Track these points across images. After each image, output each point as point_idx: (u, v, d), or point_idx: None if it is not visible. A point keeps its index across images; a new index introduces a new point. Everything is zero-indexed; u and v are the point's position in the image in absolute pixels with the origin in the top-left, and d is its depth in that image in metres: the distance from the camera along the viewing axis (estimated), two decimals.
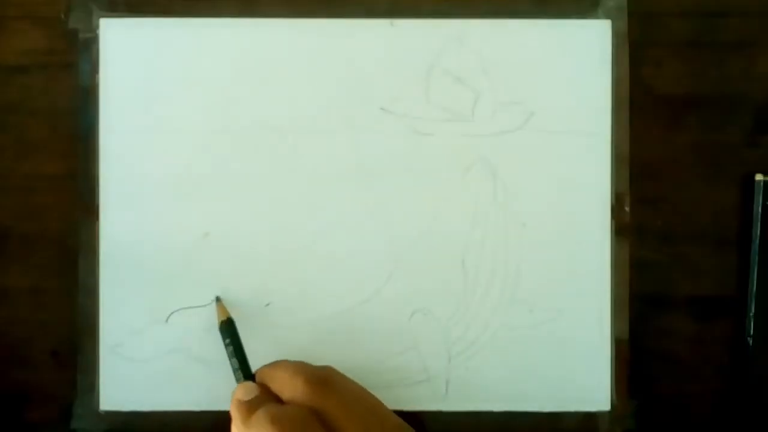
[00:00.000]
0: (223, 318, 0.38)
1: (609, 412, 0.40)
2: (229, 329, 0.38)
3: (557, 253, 0.40)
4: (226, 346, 0.38)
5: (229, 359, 0.37)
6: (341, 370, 0.39)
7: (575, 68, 0.40)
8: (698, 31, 0.41)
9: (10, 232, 0.41)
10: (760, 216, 0.40)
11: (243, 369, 0.37)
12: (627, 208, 0.40)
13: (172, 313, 0.40)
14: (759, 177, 0.40)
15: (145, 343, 0.40)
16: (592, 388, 0.40)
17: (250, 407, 0.33)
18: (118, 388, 0.40)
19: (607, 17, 0.40)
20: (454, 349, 0.40)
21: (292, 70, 0.40)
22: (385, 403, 0.39)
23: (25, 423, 0.41)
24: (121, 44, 0.40)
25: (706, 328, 0.41)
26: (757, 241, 0.40)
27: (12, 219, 0.41)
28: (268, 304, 0.40)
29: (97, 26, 0.40)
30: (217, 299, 0.39)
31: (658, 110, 0.41)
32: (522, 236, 0.40)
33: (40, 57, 0.41)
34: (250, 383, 0.35)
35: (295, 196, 0.40)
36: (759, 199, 0.40)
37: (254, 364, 0.40)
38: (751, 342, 0.40)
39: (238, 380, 0.36)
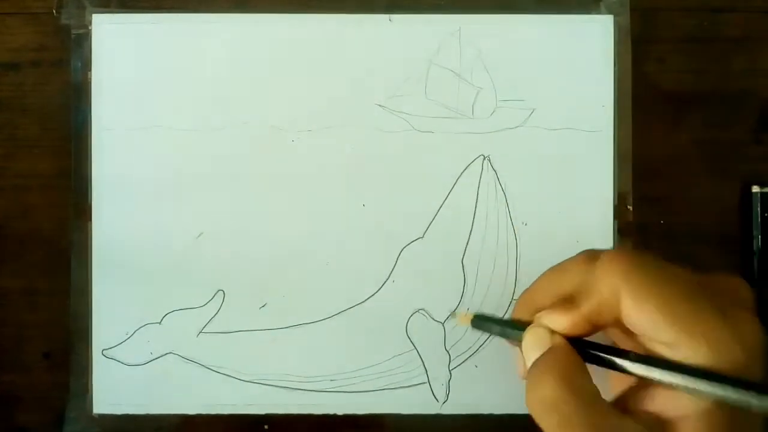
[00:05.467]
0: (471, 319, 0.34)
1: None
2: (483, 319, 0.33)
3: (559, 253, 0.39)
4: (493, 330, 0.32)
5: (504, 337, 0.32)
6: (339, 373, 0.39)
7: (577, 64, 0.40)
8: (702, 27, 0.41)
9: (1, 232, 0.40)
10: (759, 226, 0.39)
11: (518, 326, 0.31)
12: (630, 207, 0.40)
13: (167, 314, 0.39)
14: (756, 189, 0.40)
15: (138, 345, 0.39)
16: None
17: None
18: (112, 390, 0.39)
19: (609, 13, 0.40)
20: (454, 351, 0.39)
21: (288, 66, 0.40)
22: (383, 407, 0.39)
23: (17, 426, 0.40)
24: (114, 40, 0.39)
25: None
26: (757, 255, 0.40)
27: (3, 218, 0.40)
28: (264, 306, 0.39)
29: (90, 22, 0.39)
30: (453, 315, 0.38)
31: (662, 107, 0.40)
32: (523, 236, 0.39)
33: (32, 54, 0.40)
34: (538, 330, 0.29)
35: (291, 194, 0.39)
36: (758, 211, 0.39)
37: (251, 366, 0.39)
38: None
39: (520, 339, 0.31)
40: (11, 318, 0.40)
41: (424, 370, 0.39)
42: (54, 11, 0.40)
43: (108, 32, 0.40)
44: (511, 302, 0.39)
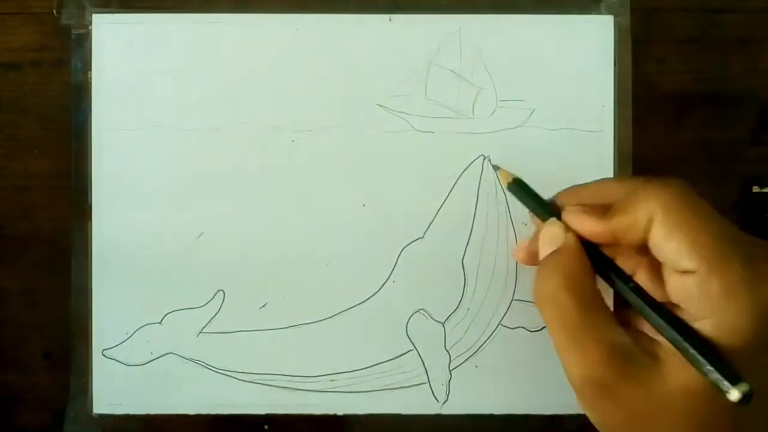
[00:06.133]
0: (509, 180, 0.34)
1: None
2: (521, 187, 0.34)
3: None
4: (525, 202, 0.33)
5: (532, 211, 0.33)
6: (339, 373, 0.39)
7: (577, 65, 0.40)
8: (701, 28, 0.41)
9: (1, 232, 0.40)
10: (760, 227, 0.40)
11: (548, 212, 0.32)
12: None
13: (167, 314, 0.39)
14: (756, 189, 0.40)
15: (139, 345, 0.39)
16: None
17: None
18: (112, 390, 0.39)
19: (609, 13, 0.40)
20: (454, 351, 0.39)
21: (288, 66, 0.40)
22: (383, 407, 0.39)
23: (17, 426, 0.40)
24: (115, 40, 0.39)
25: None
26: None
27: (3, 219, 0.40)
28: (264, 306, 0.39)
29: (90, 22, 0.39)
30: (495, 167, 0.35)
31: (662, 107, 0.40)
32: (523, 236, 0.39)
33: (32, 54, 0.40)
34: (556, 225, 0.31)
35: (291, 194, 0.39)
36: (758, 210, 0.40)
37: (251, 366, 0.39)
38: None
39: (543, 220, 0.32)
40: (11, 318, 0.40)
41: (424, 371, 0.39)
42: (54, 11, 0.40)
43: (108, 32, 0.40)
44: (511, 302, 0.39)
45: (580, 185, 0.33)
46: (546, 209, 0.32)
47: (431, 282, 0.39)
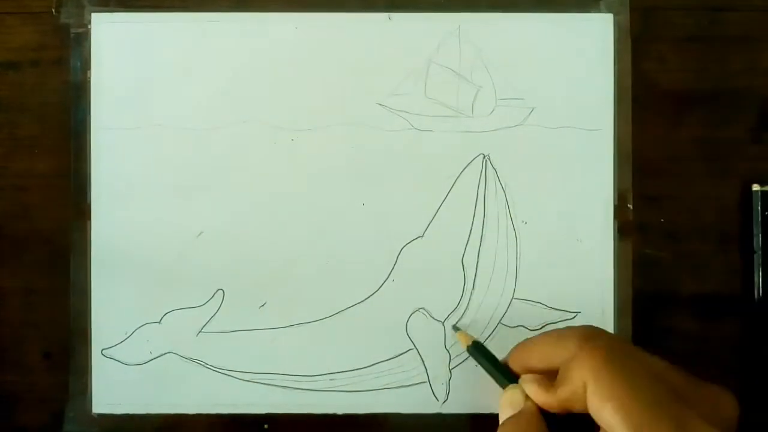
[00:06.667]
0: (469, 343, 0.37)
1: None
2: (479, 350, 0.37)
3: (559, 252, 0.39)
4: (483, 365, 0.36)
5: (490, 375, 0.35)
6: (339, 373, 0.39)
7: (577, 63, 0.40)
8: (701, 26, 0.41)
9: (1, 232, 0.40)
10: (760, 224, 0.39)
11: (506, 377, 0.34)
12: (630, 206, 0.39)
13: (166, 314, 0.39)
14: (756, 187, 0.40)
15: (138, 344, 0.39)
16: None
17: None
18: (111, 390, 0.39)
19: (609, 11, 0.40)
20: (454, 351, 0.39)
21: (287, 65, 0.40)
22: (383, 406, 0.39)
23: (16, 426, 0.40)
24: (114, 39, 0.39)
25: (712, 327, 0.40)
26: (760, 252, 0.39)
27: (2, 218, 0.40)
28: (263, 305, 0.39)
29: (89, 21, 0.39)
30: (455, 329, 0.38)
31: (661, 106, 0.40)
32: (523, 234, 0.39)
33: (31, 53, 0.40)
34: (516, 392, 0.32)
35: (291, 193, 0.39)
36: (758, 209, 0.39)
37: (250, 366, 0.39)
38: None
39: (503, 386, 0.34)
40: (11, 318, 0.40)
41: (424, 370, 0.39)
42: (53, 10, 0.40)
43: (107, 31, 0.40)
44: (511, 302, 0.39)
45: (527, 342, 0.34)
46: (504, 374, 0.34)
47: (431, 281, 0.39)
